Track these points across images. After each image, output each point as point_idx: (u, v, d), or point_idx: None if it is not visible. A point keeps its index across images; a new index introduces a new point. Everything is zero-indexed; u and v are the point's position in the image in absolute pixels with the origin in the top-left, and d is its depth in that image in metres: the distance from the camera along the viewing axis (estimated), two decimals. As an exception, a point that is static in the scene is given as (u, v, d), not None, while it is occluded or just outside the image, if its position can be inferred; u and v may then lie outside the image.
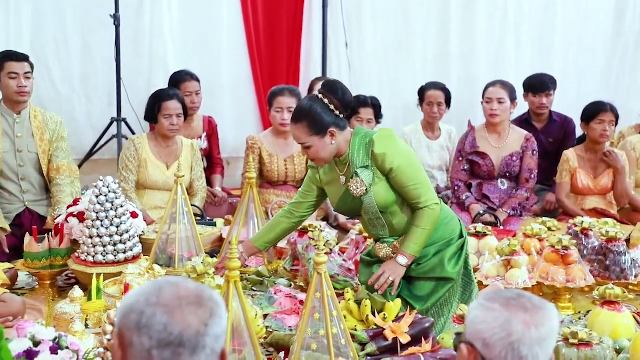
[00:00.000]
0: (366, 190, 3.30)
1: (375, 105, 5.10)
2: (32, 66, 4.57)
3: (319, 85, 5.55)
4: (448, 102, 5.70)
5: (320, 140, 3.28)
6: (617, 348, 3.11)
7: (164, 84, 5.73)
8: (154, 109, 4.85)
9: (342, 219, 4.98)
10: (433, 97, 5.63)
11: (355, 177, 3.31)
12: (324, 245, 3.78)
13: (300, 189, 3.66)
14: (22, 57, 4.56)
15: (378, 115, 5.12)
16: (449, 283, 3.43)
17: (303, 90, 5.86)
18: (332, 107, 3.27)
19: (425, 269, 3.42)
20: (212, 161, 5.61)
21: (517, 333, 1.71)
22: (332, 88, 3.31)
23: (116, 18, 6.10)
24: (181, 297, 1.61)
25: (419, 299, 3.42)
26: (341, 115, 3.31)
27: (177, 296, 1.61)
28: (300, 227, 4.22)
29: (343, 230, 4.83)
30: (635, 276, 3.97)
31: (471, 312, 1.80)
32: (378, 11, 6.91)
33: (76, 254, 3.89)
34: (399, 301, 3.28)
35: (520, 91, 5.59)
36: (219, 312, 1.63)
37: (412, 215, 3.39)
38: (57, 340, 2.69)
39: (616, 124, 5.13)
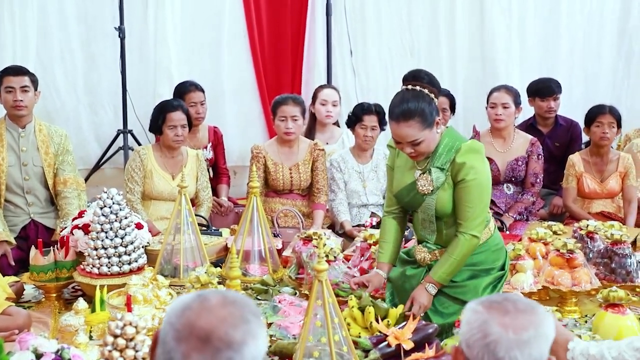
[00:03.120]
0: (432, 190, 3.27)
1: (379, 113, 5.09)
2: (33, 81, 4.59)
3: (322, 93, 5.63)
4: (452, 108, 5.69)
5: (430, 132, 3.22)
6: (621, 351, 3.08)
7: (169, 95, 5.76)
8: (158, 120, 4.88)
9: (348, 226, 4.99)
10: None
11: (427, 174, 3.28)
12: (328, 252, 3.82)
13: (387, 187, 3.60)
14: (21, 72, 4.58)
15: (382, 122, 5.12)
16: None
17: (306, 98, 5.86)
18: (432, 95, 3.23)
19: (458, 290, 3.35)
20: (218, 171, 5.63)
21: (493, 334, 1.72)
22: (418, 76, 3.24)
23: (121, 30, 6.14)
24: (194, 327, 1.58)
25: (440, 314, 3.37)
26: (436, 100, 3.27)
27: (190, 325, 1.58)
28: (305, 235, 4.26)
29: (349, 238, 4.83)
30: (641, 278, 3.95)
31: (462, 315, 1.82)
32: (382, 18, 6.91)
33: (81, 266, 3.91)
34: (401, 306, 3.28)
35: (524, 96, 5.58)
36: (227, 354, 1.57)
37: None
38: (59, 352, 2.70)
39: (619, 126, 5.10)
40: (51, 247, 4.01)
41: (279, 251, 4.43)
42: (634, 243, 4.41)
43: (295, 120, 5.02)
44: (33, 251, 3.96)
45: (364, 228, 4.74)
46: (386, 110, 5.21)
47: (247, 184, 5.19)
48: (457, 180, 3.23)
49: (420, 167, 3.33)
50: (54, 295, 3.96)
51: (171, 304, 1.66)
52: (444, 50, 6.96)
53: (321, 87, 5.80)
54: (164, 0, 6.48)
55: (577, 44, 7.01)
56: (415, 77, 3.27)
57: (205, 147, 5.51)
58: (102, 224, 3.83)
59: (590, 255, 4.13)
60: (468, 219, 3.24)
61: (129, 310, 2.87)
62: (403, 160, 3.43)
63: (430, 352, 3.02)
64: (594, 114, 5.10)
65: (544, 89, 5.67)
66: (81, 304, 3.38)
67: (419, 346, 3.06)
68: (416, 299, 3.30)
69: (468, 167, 3.20)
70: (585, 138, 5.63)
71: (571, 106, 6.28)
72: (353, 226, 5.00)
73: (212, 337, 1.56)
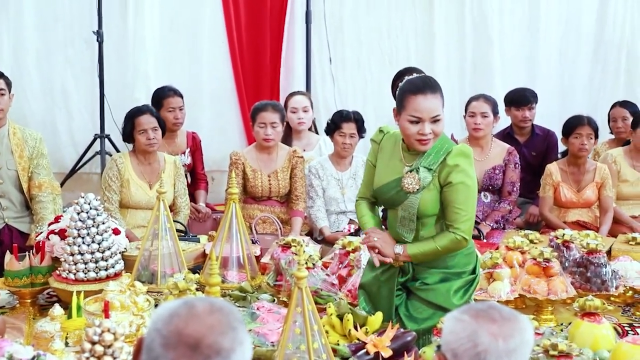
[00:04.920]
0: (417, 190, 3.24)
1: (357, 120, 5.11)
2: (8, 84, 4.56)
3: (292, 100, 5.63)
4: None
5: (443, 114, 3.22)
6: (597, 359, 3.11)
7: (146, 100, 5.73)
8: (128, 128, 4.84)
9: (327, 232, 4.99)
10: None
11: (415, 172, 3.24)
12: (307, 260, 3.81)
13: (363, 179, 3.56)
14: None
15: (361, 130, 5.14)
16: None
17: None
18: None
19: (429, 293, 3.34)
20: (196, 177, 5.61)
21: (483, 344, 1.73)
22: (412, 69, 3.29)
23: (99, 34, 6.11)
24: (181, 334, 1.59)
25: (414, 319, 3.36)
26: None
27: (179, 332, 1.59)
28: (284, 242, 4.24)
29: (327, 245, 4.83)
30: (616, 287, 3.98)
31: (445, 323, 1.83)
32: (362, 26, 6.94)
33: (57, 272, 3.87)
34: (380, 314, 3.28)
35: (501, 106, 5.63)
36: None
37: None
38: (35, 359, 2.67)
39: (596, 136, 5.15)
40: (26, 252, 3.97)
41: (257, 258, 4.41)
42: (609, 252, 4.45)
43: (275, 127, 5.02)
44: (8, 256, 3.90)
45: (343, 233, 4.74)
46: (365, 118, 5.30)
47: (226, 190, 5.19)
48: (446, 182, 3.21)
49: (409, 163, 3.31)
50: (29, 301, 3.90)
51: (156, 310, 1.66)
52: (422, 58, 6.99)
53: (290, 95, 5.80)
54: (143, 4, 6.47)
55: (554, 55, 7.07)
56: (409, 70, 3.30)
57: (184, 153, 5.48)
58: (78, 229, 3.79)
59: (566, 264, 4.16)
60: (458, 221, 3.21)
61: (107, 316, 2.85)
62: (387, 155, 3.39)
63: (409, 359, 3.03)
64: (573, 125, 5.14)
65: (519, 99, 5.73)
66: (57, 310, 3.34)
67: (397, 354, 3.06)
68: (382, 243, 3.31)
69: (458, 171, 3.18)
70: (561, 147, 5.68)
71: (548, 116, 6.33)
72: (331, 232, 5.00)
73: (201, 344, 1.58)
